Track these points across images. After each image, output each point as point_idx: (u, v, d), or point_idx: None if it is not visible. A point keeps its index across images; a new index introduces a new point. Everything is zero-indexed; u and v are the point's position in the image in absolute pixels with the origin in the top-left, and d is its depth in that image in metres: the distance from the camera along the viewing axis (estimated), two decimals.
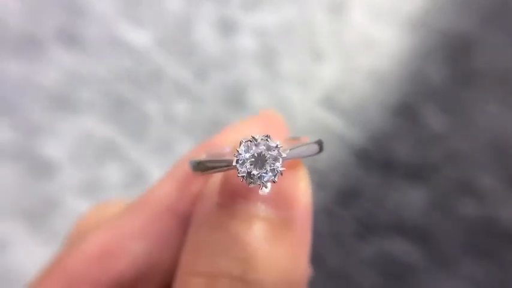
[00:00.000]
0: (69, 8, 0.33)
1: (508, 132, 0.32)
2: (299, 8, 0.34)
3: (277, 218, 0.14)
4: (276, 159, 0.13)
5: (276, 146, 0.14)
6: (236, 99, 0.32)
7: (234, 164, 0.13)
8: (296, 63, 0.33)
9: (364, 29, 0.34)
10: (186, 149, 0.31)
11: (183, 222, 0.17)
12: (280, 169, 0.13)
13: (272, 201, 0.14)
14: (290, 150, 0.14)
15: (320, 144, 0.14)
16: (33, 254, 0.29)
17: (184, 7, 0.34)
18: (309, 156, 0.14)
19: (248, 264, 0.13)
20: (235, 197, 0.14)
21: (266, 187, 0.14)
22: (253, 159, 0.13)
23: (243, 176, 0.13)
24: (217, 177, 0.14)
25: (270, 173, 0.13)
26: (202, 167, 0.15)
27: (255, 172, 0.13)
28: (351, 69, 0.33)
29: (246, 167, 0.13)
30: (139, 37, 0.33)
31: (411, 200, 0.31)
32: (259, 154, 0.13)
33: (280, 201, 0.14)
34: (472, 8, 0.34)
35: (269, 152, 0.13)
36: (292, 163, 0.14)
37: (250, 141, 0.14)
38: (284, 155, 0.14)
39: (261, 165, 0.13)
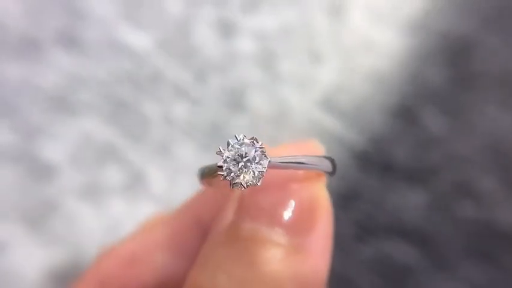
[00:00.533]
0: (69, 11, 0.33)
1: (507, 134, 0.32)
2: (298, 10, 0.34)
3: (291, 244, 0.13)
4: (260, 161, 0.13)
5: (261, 147, 0.13)
6: (236, 102, 0.32)
7: (218, 164, 0.13)
8: (295, 65, 0.33)
9: (363, 31, 0.34)
10: (186, 151, 0.31)
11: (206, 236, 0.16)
12: (263, 171, 0.13)
13: (288, 226, 0.13)
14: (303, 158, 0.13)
15: (332, 162, 0.14)
16: (32, 256, 0.29)
17: (184, 10, 0.34)
18: (321, 170, 0.14)
19: (248, 287, 0.13)
20: (250, 216, 0.13)
21: (245, 188, 0.13)
22: (235, 159, 0.13)
23: (224, 176, 0.13)
24: (237, 194, 0.14)
25: (253, 175, 0.13)
26: (208, 171, 0.14)
27: (236, 172, 0.13)
28: (350, 71, 0.33)
29: (228, 166, 0.13)
30: (139, 39, 0.33)
31: (410, 202, 0.31)
32: (243, 154, 0.13)
33: (297, 227, 0.13)
34: (472, 10, 0.34)
35: (253, 153, 0.13)
36: (313, 183, 0.14)
37: (236, 141, 0.13)
38: (278, 160, 0.13)
39: (244, 166, 0.13)
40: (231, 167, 0.13)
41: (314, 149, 0.16)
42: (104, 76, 0.32)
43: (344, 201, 0.31)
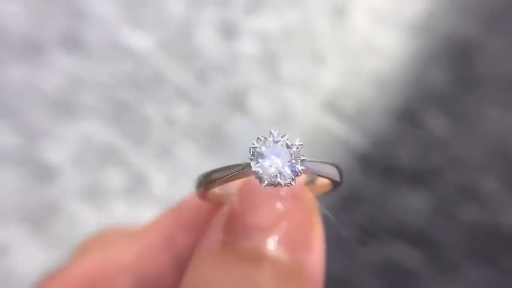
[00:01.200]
0: (70, 13, 0.33)
1: (510, 136, 0.32)
2: (301, 12, 0.34)
3: (290, 261, 0.12)
4: (296, 158, 0.12)
5: (297, 145, 0.12)
6: (237, 104, 0.32)
7: (248, 160, 0.12)
8: (298, 67, 0.33)
9: (366, 33, 0.34)
10: (188, 153, 0.31)
11: (180, 259, 0.15)
12: (301, 169, 0.12)
13: (286, 242, 0.12)
14: (310, 161, 0.12)
15: (338, 169, 0.13)
16: (34, 259, 0.29)
17: (186, 11, 0.34)
18: (328, 177, 0.13)
19: None
20: (243, 232, 0.12)
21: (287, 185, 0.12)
22: (271, 157, 0.12)
23: (257, 174, 0.12)
24: (223, 212, 0.13)
25: (290, 173, 0.12)
26: (208, 179, 0.13)
27: (273, 170, 0.12)
28: (353, 74, 0.33)
29: (263, 164, 0.12)
30: (140, 41, 0.33)
31: (413, 205, 0.30)
32: (278, 151, 0.12)
33: (295, 243, 0.13)
34: (475, 12, 0.34)
35: (289, 150, 0.12)
36: (307, 205, 0.13)
37: (266, 137, 0.12)
38: (303, 158, 0.12)
39: (279, 164, 0.12)
40: (265, 165, 0.12)
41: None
42: (106, 78, 0.32)
43: (346, 204, 0.31)
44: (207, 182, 0.13)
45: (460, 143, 0.32)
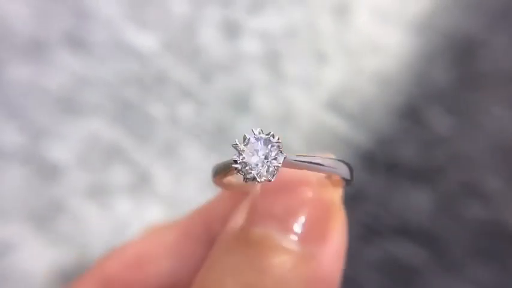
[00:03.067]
0: (75, 12, 0.33)
1: None
2: (304, 11, 0.34)
3: (303, 252, 0.13)
4: (276, 156, 0.13)
5: (277, 142, 0.13)
6: (241, 102, 0.32)
7: (233, 157, 0.13)
8: (301, 66, 0.33)
9: (369, 31, 0.34)
10: (192, 152, 0.32)
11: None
12: (278, 167, 0.13)
13: (300, 234, 0.13)
14: (296, 156, 0.13)
15: (350, 167, 0.14)
16: (39, 257, 0.29)
17: (190, 10, 0.34)
18: (339, 175, 0.14)
19: None
20: (261, 220, 0.13)
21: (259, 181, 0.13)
22: (250, 153, 0.13)
23: (237, 169, 0.13)
24: (247, 200, 0.14)
25: (267, 170, 0.13)
26: (223, 167, 0.14)
27: (251, 166, 0.13)
28: (356, 72, 0.33)
29: (243, 160, 0.13)
30: (145, 40, 0.33)
31: (416, 202, 0.31)
32: (258, 149, 0.13)
33: (310, 235, 0.13)
34: (478, 9, 0.34)
35: (269, 148, 0.13)
36: (328, 190, 0.13)
37: (252, 135, 0.13)
38: (294, 158, 0.13)
39: (259, 160, 0.13)
40: (245, 161, 0.13)
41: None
42: (110, 77, 0.32)
43: (350, 202, 0.31)
44: (219, 172, 0.14)
45: (464, 140, 0.32)
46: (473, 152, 0.31)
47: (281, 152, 0.13)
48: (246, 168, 0.13)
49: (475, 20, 0.33)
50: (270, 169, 0.13)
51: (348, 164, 0.14)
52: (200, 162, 0.31)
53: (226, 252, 0.13)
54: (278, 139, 0.13)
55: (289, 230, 0.13)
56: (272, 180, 0.13)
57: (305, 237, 0.13)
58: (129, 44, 0.33)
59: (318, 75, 0.33)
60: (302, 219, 0.13)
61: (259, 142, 0.13)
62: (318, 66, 0.33)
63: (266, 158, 0.13)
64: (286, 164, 0.13)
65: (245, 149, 0.13)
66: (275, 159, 0.13)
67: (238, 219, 0.14)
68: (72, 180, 0.31)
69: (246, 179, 0.13)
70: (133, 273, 0.17)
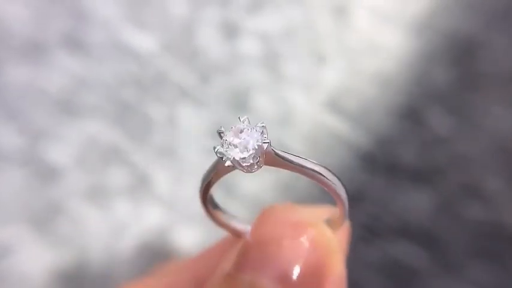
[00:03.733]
0: (73, 13, 0.33)
1: None
2: (302, 11, 0.34)
3: None
4: (259, 142, 0.12)
5: (262, 126, 0.13)
6: (240, 103, 0.32)
7: (217, 148, 0.12)
8: (300, 66, 0.33)
9: (368, 31, 0.34)
10: (191, 153, 0.31)
11: None
12: (262, 149, 0.12)
13: (293, 284, 0.12)
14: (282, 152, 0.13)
15: (342, 183, 0.13)
16: (38, 259, 0.29)
17: (188, 11, 0.34)
18: (322, 181, 0.13)
19: None
20: (250, 267, 0.12)
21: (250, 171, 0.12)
22: (235, 135, 0.12)
23: (220, 153, 0.12)
24: (238, 245, 0.13)
25: (252, 157, 0.12)
26: (202, 186, 0.13)
27: (236, 155, 0.12)
28: (356, 73, 0.33)
29: (226, 141, 0.12)
30: (143, 41, 0.33)
31: (417, 203, 0.30)
32: (243, 133, 0.12)
33: (306, 283, 0.12)
34: (478, 9, 0.34)
35: (252, 130, 0.13)
36: (320, 244, 0.12)
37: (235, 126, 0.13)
38: (280, 151, 0.12)
39: (243, 142, 0.12)
40: (228, 141, 0.12)
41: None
42: (109, 78, 0.32)
43: (350, 202, 0.31)
44: (201, 188, 0.13)
45: (464, 141, 0.31)
46: (473, 153, 0.31)
47: (265, 137, 0.12)
48: (227, 151, 0.12)
49: (476, 20, 0.33)
50: (253, 153, 0.12)
51: (339, 178, 0.13)
52: (199, 163, 0.31)
53: None
54: (262, 123, 0.13)
55: (281, 279, 0.12)
56: (255, 167, 0.12)
57: (301, 286, 0.12)
58: (127, 45, 0.33)
59: (317, 75, 0.33)
60: (297, 268, 0.12)
61: (243, 126, 0.13)
62: (317, 67, 0.33)
63: (249, 141, 0.12)
64: (269, 154, 0.12)
65: (229, 132, 0.13)
66: (259, 144, 0.12)
67: (226, 266, 0.13)
68: (71, 182, 0.31)
69: (231, 163, 0.12)
70: None
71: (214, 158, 0.13)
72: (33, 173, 0.31)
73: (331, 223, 0.14)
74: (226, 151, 0.12)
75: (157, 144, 0.31)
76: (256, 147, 0.12)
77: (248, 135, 0.12)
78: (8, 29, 0.33)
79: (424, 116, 0.32)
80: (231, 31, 0.33)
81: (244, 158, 0.12)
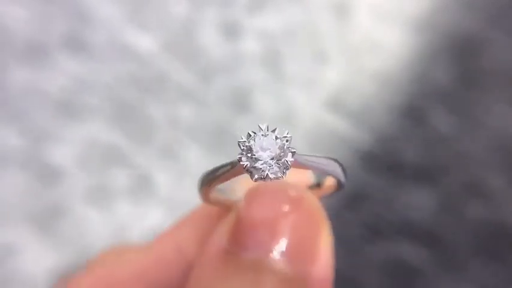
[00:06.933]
0: (74, 15, 0.33)
1: None
2: (303, 11, 0.34)
3: (293, 274, 0.12)
4: (285, 150, 0.12)
5: (285, 137, 0.12)
6: (241, 103, 0.32)
7: (238, 156, 0.12)
8: (301, 65, 0.33)
9: (369, 30, 0.34)
10: (192, 153, 0.31)
11: (190, 269, 0.15)
12: (290, 161, 0.12)
13: (290, 253, 0.12)
14: (303, 155, 0.12)
15: (342, 167, 0.13)
16: (41, 260, 0.29)
17: (189, 11, 0.34)
18: (332, 175, 0.13)
19: None
20: (247, 242, 0.12)
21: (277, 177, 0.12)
22: (260, 150, 0.12)
23: (246, 168, 0.12)
24: (228, 219, 0.13)
25: (279, 166, 0.12)
26: (206, 180, 0.13)
27: (262, 163, 0.12)
28: (357, 72, 0.33)
29: (251, 158, 0.12)
30: (144, 42, 0.33)
31: (419, 202, 0.30)
32: (267, 145, 0.12)
33: (300, 254, 0.12)
34: (479, 8, 0.34)
35: (277, 143, 0.12)
36: (314, 213, 0.13)
37: (256, 132, 0.12)
38: (303, 157, 0.12)
39: (268, 157, 0.12)
40: (256, 156, 0.12)
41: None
42: (110, 79, 0.32)
43: (352, 202, 0.31)
44: (205, 182, 0.13)
45: (466, 139, 0.31)
46: (475, 151, 0.31)
47: (290, 148, 0.12)
48: (255, 165, 0.12)
49: (476, 19, 0.33)
50: (282, 166, 0.12)
51: (334, 160, 0.13)
52: (200, 163, 0.31)
53: (216, 280, 0.12)
54: (287, 133, 0.12)
55: (279, 251, 0.12)
56: (284, 177, 0.12)
57: (296, 258, 0.12)
58: (128, 45, 0.33)
59: (319, 74, 0.33)
60: (292, 239, 0.12)
61: (267, 138, 0.12)
62: (318, 66, 0.33)
63: (276, 154, 0.12)
64: (296, 161, 0.12)
65: (253, 145, 0.12)
66: (285, 155, 0.12)
67: (221, 241, 0.13)
68: (72, 183, 0.31)
69: (256, 178, 0.12)
70: None
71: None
72: (35, 174, 0.31)
73: (316, 190, 0.14)
74: (253, 168, 0.12)
75: (159, 145, 0.31)
76: (286, 164, 0.12)
77: (275, 151, 0.12)
78: (9, 30, 0.33)
79: (426, 115, 0.32)
80: (231, 31, 0.33)
81: (276, 176, 0.12)
